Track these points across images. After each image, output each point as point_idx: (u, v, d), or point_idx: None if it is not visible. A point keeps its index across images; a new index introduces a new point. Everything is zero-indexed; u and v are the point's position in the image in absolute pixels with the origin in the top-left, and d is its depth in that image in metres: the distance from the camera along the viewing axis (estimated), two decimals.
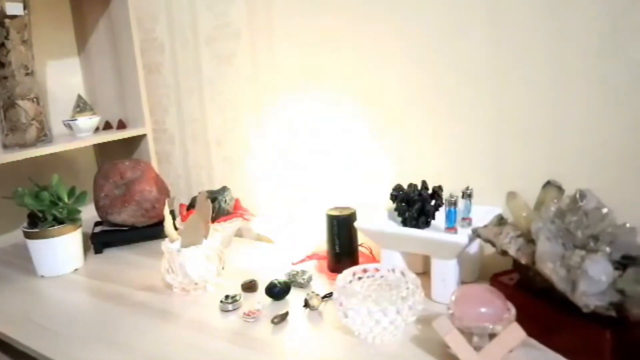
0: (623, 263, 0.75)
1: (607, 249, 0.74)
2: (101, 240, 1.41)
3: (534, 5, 0.97)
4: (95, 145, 1.75)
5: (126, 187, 1.41)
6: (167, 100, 1.64)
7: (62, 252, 1.25)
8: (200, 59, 1.51)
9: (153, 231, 1.42)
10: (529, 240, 0.83)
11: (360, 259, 1.16)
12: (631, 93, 0.91)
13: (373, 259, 1.18)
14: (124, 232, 1.43)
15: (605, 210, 0.78)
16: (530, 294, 0.85)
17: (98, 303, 1.10)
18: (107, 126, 1.63)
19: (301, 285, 1.09)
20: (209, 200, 1.14)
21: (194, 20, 1.49)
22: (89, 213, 1.46)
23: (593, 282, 0.71)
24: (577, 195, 0.80)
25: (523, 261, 0.82)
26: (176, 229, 1.18)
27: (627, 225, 0.76)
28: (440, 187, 1.04)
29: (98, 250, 1.40)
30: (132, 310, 1.05)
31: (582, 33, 0.94)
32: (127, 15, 1.51)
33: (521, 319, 0.78)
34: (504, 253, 0.86)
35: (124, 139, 1.57)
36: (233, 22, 1.40)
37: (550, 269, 0.76)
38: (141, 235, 1.44)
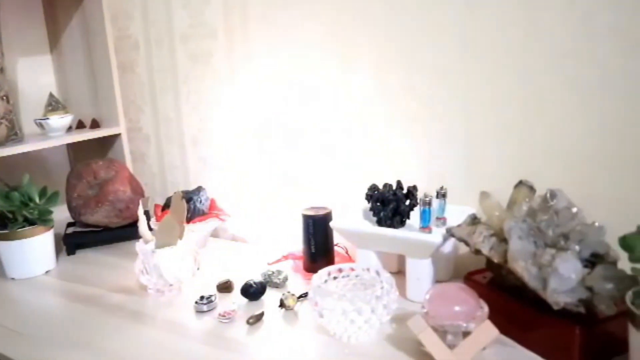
0: (592, 261, 0.76)
1: (577, 248, 0.76)
2: (74, 242, 1.39)
3: (505, 8, 0.99)
4: (68, 145, 1.72)
5: (100, 187, 1.39)
6: (141, 99, 1.62)
7: (33, 253, 1.23)
8: (175, 57, 1.50)
9: (127, 232, 1.40)
10: (502, 239, 0.84)
11: (336, 259, 1.16)
12: (600, 94, 0.93)
13: (349, 258, 1.18)
14: (97, 233, 1.41)
15: (575, 210, 0.80)
16: (503, 292, 0.86)
17: (71, 305, 1.08)
18: (80, 125, 1.60)
19: (277, 286, 1.08)
20: (184, 201, 1.14)
21: (170, 19, 1.47)
22: (61, 214, 1.43)
23: (563, 280, 0.73)
24: (548, 195, 0.81)
25: (496, 260, 0.84)
26: (151, 229, 1.17)
27: (596, 224, 0.78)
28: (415, 187, 1.05)
29: (71, 252, 1.37)
30: (105, 312, 1.04)
31: (551, 35, 0.95)
32: (101, 13, 1.49)
33: (494, 317, 0.79)
34: (478, 252, 0.87)
35: (98, 139, 1.55)
36: (209, 22, 1.39)
37: (522, 267, 0.77)
38: (115, 236, 1.42)
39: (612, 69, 0.91)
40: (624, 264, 0.70)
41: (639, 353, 0.66)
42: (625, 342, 0.68)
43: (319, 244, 1.13)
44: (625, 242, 0.67)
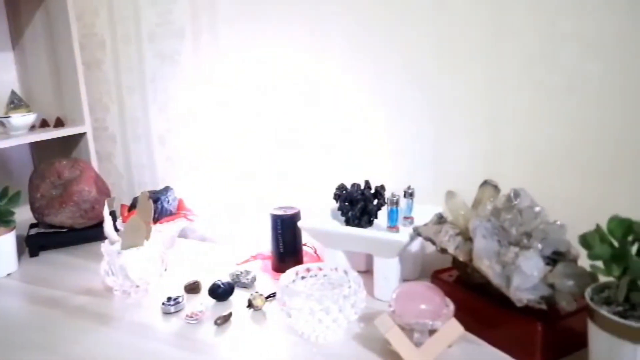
0: (553, 258, 0.78)
1: (539, 246, 0.77)
2: (37, 243, 1.35)
3: (475, 11, 1.00)
4: (31, 144, 1.67)
5: (64, 188, 1.36)
6: (107, 97, 1.59)
7: None
8: (143, 56, 1.48)
9: (92, 233, 1.38)
10: (467, 238, 0.85)
11: (305, 259, 1.16)
12: (564, 96, 0.95)
13: (318, 258, 1.18)
14: (62, 234, 1.38)
15: (538, 209, 0.82)
16: (468, 290, 0.87)
17: (33, 308, 1.05)
18: (44, 124, 1.56)
19: (245, 286, 1.08)
20: (151, 201, 1.12)
21: (136, 17, 1.45)
22: (23, 214, 1.40)
23: (526, 278, 0.74)
24: (512, 194, 0.83)
25: (461, 258, 0.85)
26: (117, 230, 1.15)
27: (558, 222, 0.80)
28: (382, 187, 1.06)
29: (34, 254, 1.34)
30: (70, 315, 1.01)
31: (518, 39, 0.97)
32: (65, 9, 1.46)
33: (460, 315, 0.80)
34: (444, 251, 0.88)
35: (62, 138, 1.51)
36: (177, 21, 1.38)
37: (487, 265, 0.78)
38: (80, 237, 1.39)
39: (575, 72, 0.94)
40: (584, 262, 0.72)
41: (597, 347, 0.67)
42: (585, 336, 0.70)
43: (287, 244, 1.13)
44: (585, 240, 0.69)
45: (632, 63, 0.89)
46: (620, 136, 0.92)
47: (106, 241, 1.10)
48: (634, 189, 0.92)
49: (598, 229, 0.68)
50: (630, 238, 0.66)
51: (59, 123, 1.54)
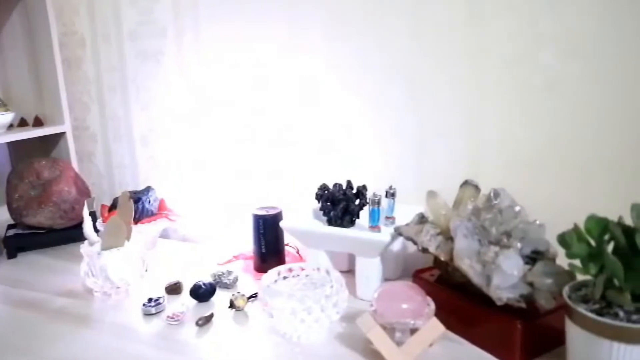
0: (533, 257, 0.79)
1: (519, 245, 0.78)
2: (15, 244, 1.33)
3: (454, 13, 1.01)
4: (9, 144, 1.64)
5: (43, 188, 1.34)
6: (88, 96, 1.57)
7: None
8: (124, 55, 1.46)
9: (72, 234, 1.36)
10: (448, 237, 0.86)
11: (287, 259, 1.16)
12: (543, 97, 0.97)
13: (300, 258, 1.18)
14: (41, 235, 1.36)
15: (517, 208, 0.83)
16: (449, 289, 0.88)
17: (11, 311, 1.04)
18: (23, 123, 1.54)
19: (227, 286, 1.07)
20: (132, 201, 1.11)
21: (117, 15, 1.44)
22: (1, 215, 1.37)
23: (506, 276, 0.75)
24: (492, 194, 0.84)
25: (442, 258, 0.85)
26: (97, 231, 1.14)
27: (537, 222, 0.81)
28: (364, 187, 1.06)
29: (11, 255, 1.32)
30: (49, 317, 1.00)
31: (497, 40, 0.98)
32: (44, 7, 1.44)
33: (441, 314, 0.81)
34: (425, 250, 0.89)
35: (41, 137, 1.49)
36: (159, 19, 1.37)
37: (467, 264, 0.79)
38: (59, 238, 1.37)
39: (553, 73, 0.95)
40: (562, 260, 0.73)
41: (574, 344, 0.68)
42: (564, 334, 0.71)
43: (269, 244, 1.13)
44: (563, 239, 0.70)
45: (610, 64, 0.90)
46: (598, 136, 0.93)
47: (86, 242, 1.09)
48: (611, 188, 0.94)
49: (576, 228, 0.69)
50: (606, 237, 0.67)
51: (38, 122, 1.52)
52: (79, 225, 1.33)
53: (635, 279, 0.64)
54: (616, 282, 0.65)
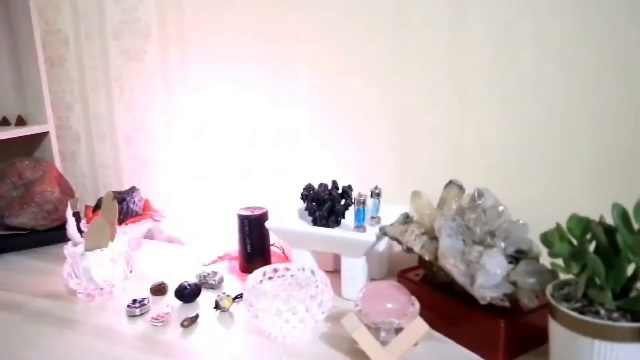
0: (516, 257, 0.80)
1: (502, 244, 0.79)
2: None
3: (435, 15, 1.01)
4: None
5: (25, 188, 1.32)
6: (71, 96, 1.56)
7: None
8: (107, 53, 1.45)
9: (55, 235, 1.34)
10: (433, 237, 0.86)
11: (273, 259, 1.16)
12: (524, 98, 0.97)
13: (286, 258, 1.18)
14: (22, 236, 1.34)
15: (501, 208, 0.83)
16: (434, 289, 0.89)
17: None
18: (5, 122, 1.52)
19: (212, 287, 1.07)
20: (116, 201, 1.10)
21: (101, 14, 1.43)
22: None
23: (489, 276, 0.76)
24: (476, 194, 0.84)
25: (427, 257, 0.86)
26: (80, 231, 1.13)
27: (520, 221, 0.81)
28: (350, 187, 1.06)
29: None
30: (31, 320, 0.99)
31: (478, 41, 0.99)
32: (27, 5, 1.42)
33: (426, 313, 0.81)
34: (410, 250, 0.89)
35: (24, 137, 1.47)
36: (142, 18, 1.36)
37: (451, 264, 0.79)
38: (42, 239, 1.36)
39: (532, 74, 0.96)
40: (545, 260, 0.74)
41: (557, 342, 0.69)
42: (547, 332, 0.72)
43: (254, 244, 1.12)
44: (546, 239, 0.71)
45: (589, 66, 0.91)
46: (578, 136, 0.94)
47: (69, 243, 1.08)
48: (591, 188, 0.95)
49: (558, 227, 0.70)
50: (588, 236, 0.68)
51: (21, 121, 1.50)
52: (62, 226, 1.31)
53: (616, 278, 0.65)
54: (597, 280, 0.66)
